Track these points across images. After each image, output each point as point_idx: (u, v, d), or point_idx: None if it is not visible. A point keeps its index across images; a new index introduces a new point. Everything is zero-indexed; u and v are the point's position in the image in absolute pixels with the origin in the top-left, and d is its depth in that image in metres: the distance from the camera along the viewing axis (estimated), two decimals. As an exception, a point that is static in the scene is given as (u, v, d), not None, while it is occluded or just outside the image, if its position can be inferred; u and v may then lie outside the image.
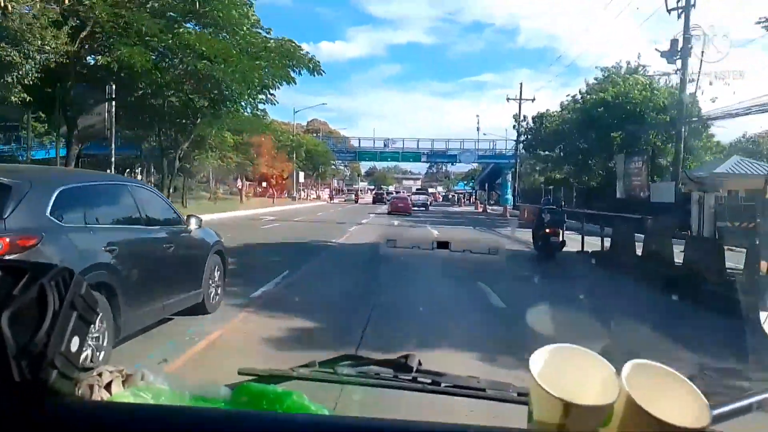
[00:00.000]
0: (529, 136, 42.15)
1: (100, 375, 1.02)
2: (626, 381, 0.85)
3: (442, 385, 1.20)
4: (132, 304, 5.08)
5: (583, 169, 35.90)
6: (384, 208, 46.41)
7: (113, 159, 24.84)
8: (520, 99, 49.14)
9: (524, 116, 44.09)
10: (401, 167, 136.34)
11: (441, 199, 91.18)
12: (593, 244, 15.23)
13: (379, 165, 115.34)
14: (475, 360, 5.50)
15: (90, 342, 4.37)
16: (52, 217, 4.55)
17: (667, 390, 0.86)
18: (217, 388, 1.11)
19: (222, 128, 32.06)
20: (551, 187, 39.32)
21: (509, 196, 55.99)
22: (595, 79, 35.82)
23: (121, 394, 1.01)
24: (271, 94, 27.36)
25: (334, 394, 1.19)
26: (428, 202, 53.16)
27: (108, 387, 1.01)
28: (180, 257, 6.35)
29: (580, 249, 15.43)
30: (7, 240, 4.09)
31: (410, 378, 1.24)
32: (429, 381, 1.22)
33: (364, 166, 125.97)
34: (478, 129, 76.53)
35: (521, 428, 0.89)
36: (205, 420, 0.89)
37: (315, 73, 26.24)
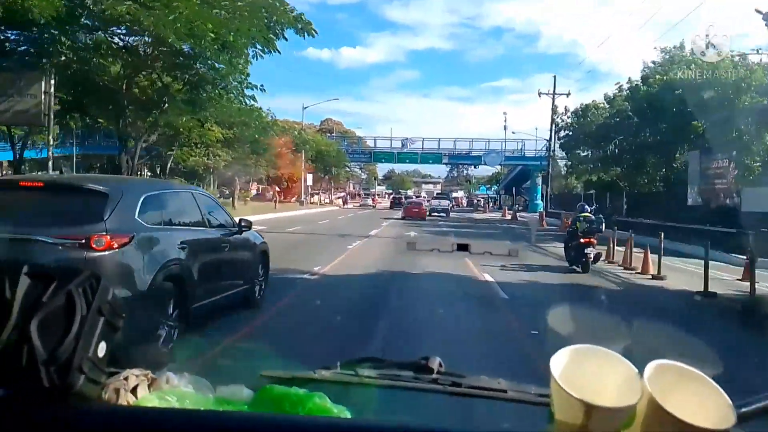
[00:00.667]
0: (569, 133, 36.63)
1: (126, 379, 1.04)
2: (648, 382, 0.84)
3: (463, 386, 1.20)
4: (197, 295, 5.82)
5: (638, 170, 30.11)
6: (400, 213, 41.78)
7: (51, 159, 19.61)
8: (554, 93, 43.13)
9: (565, 108, 38.09)
10: (420, 170, 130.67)
11: (465, 204, 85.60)
12: (691, 271, 12.17)
13: (398, 168, 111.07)
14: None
15: (164, 328, 5.25)
16: (139, 219, 5.30)
17: (691, 390, 0.86)
18: (240, 390, 1.12)
19: (205, 119, 25.21)
20: (591, 191, 35.10)
21: (539, 202, 51.91)
22: (653, 62, 29.50)
23: (146, 398, 1.03)
24: (246, 63, 19.64)
25: (355, 396, 1.19)
26: (449, 208, 47.40)
27: (134, 391, 1.03)
28: (233, 256, 7.08)
29: (698, 289, 9.87)
30: (109, 238, 4.81)
31: (431, 380, 1.24)
32: (450, 382, 1.22)
33: (382, 169, 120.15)
34: (505, 128, 69.11)
35: (543, 430, 0.89)
36: (229, 424, 0.91)
37: (304, 34, 19.27)
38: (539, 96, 43.97)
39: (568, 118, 37.49)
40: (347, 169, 78.10)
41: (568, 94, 43.23)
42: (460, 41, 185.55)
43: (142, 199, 5.49)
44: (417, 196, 72.43)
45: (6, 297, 0.88)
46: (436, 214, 41.75)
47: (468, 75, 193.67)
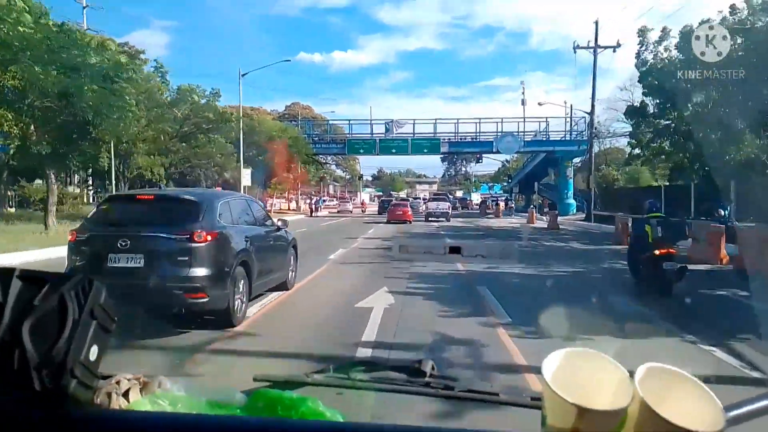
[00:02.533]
0: (648, 102, 24.79)
1: (118, 383, 1.04)
2: (639, 384, 0.84)
3: (456, 390, 1.21)
4: (257, 277, 7.77)
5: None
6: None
7: None
8: (596, 46, 32.93)
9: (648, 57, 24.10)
10: (414, 170, 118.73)
11: (472, 206, 71.90)
12: None
13: (382, 162, 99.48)
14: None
15: (238, 298, 7.06)
16: (219, 220, 7.15)
17: (682, 393, 0.86)
18: (233, 394, 1.12)
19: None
20: (666, 184, 27.56)
21: (571, 201, 43.52)
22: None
23: (138, 402, 1.03)
24: None
25: (348, 399, 1.20)
26: (449, 211, 38.62)
27: (126, 395, 1.03)
28: (276, 248, 9.01)
29: None
30: (204, 233, 6.64)
31: (424, 383, 1.24)
32: (442, 386, 1.23)
33: (369, 168, 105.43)
34: (523, 102, 56.09)
35: None
36: (221, 428, 0.90)
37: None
38: (575, 51, 34.32)
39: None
40: (319, 165, 63.37)
41: (616, 47, 32.93)
42: (452, 41, 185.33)
43: (219, 205, 7.38)
44: (414, 198, 65.40)
45: None
46: (433, 219, 36.14)
47: (462, 75, 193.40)
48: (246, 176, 36.14)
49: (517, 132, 46.55)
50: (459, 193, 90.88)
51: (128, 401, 1.03)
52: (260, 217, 8.90)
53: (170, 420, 0.94)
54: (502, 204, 67.34)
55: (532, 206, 40.31)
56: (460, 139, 48.89)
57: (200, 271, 6.50)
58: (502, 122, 47.60)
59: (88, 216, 7.75)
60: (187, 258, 6.50)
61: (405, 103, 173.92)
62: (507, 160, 69.69)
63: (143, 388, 1.07)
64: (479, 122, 48.47)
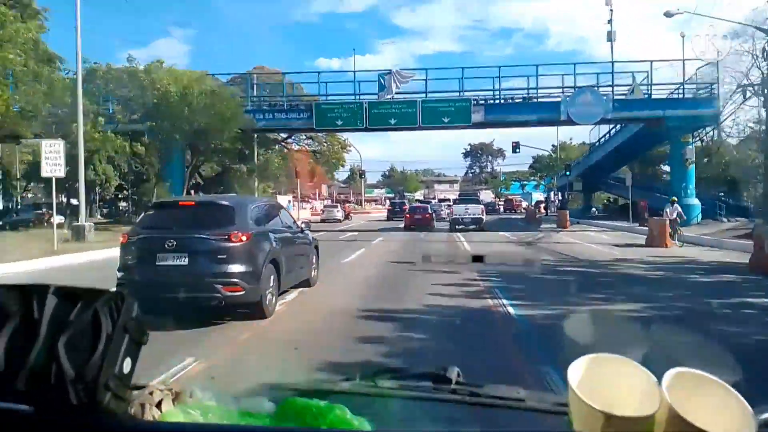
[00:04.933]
0: None
1: (151, 394, 1.06)
2: (667, 390, 0.84)
3: (482, 396, 1.21)
4: (285, 273, 8.40)
5: None
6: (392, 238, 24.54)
7: None
8: None
9: None
10: (432, 169, 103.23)
11: (509, 208, 62.19)
12: None
13: (374, 141, 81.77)
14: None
15: (269, 292, 7.73)
16: (251, 223, 7.82)
17: (710, 398, 0.85)
18: (262, 403, 1.14)
19: None
20: None
21: (694, 202, 27.28)
22: None
23: (171, 412, 1.05)
24: None
25: (375, 407, 1.20)
26: (482, 216, 28.43)
27: (159, 405, 1.05)
28: (300, 248, 9.76)
29: None
30: (240, 234, 7.34)
31: (450, 390, 1.24)
32: (468, 392, 1.23)
33: (374, 166, 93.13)
34: (610, 35, 34.69)
35: None
36: None
37: None
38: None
39: None
40: (285, 148, 44.95)
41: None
42: (469, 43, 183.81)
43: (251, 209, 8.15)
44: (440, 201, 56.96)
45: (34, 316, 0.91)
46: (461, 227, 27.47)
47: (475, 79, 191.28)
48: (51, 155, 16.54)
49: (597, 87, 28.50)
50: (484, 194, 75.40)
51: (161, 411, 1.05)
52: (287, 221, 9.66)
53: (202, 429, 0.96)
54: (523, 203, 61.58)
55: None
56: (504, 99, 29.99)
57: (237, 268, 7.23)
58: (574, 73, 28.97)
59: (137, 220, 8.72)
60: (225, 256, 7.25)
61: None
62: (554, 148, 55.04)
63: (175, 398, 1.09)
64: (536, 73, 29.10)
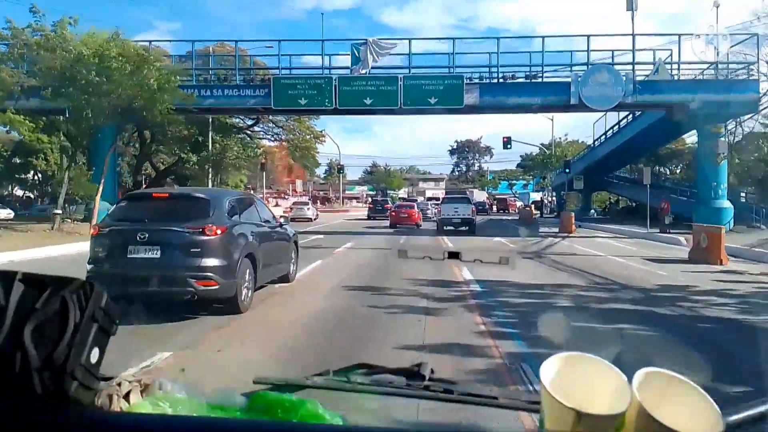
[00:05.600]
0: None
1: (119, 385, 1.04)
2: (637, 389, 0.85)
3: (455, 393, 1.21)
4: (262, 268, 8.28)
5: None
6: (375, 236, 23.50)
7: None
8: None
9: None
10: (417, 167, 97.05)
11: (502, 209, 59.75)
12: None
13: (346, 125, 78.63)
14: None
15: (245, 287, 7.61)
16: (228, 216, 7.69)
17: (679, 398, 0.86)
18: (233, 396, 1.12)
19: None
20: None
21: (724, 203, 23.31)
22: None
23: (139, 404, 1.03)
24: None
25: (347, 402, 1.20)
26: (473, 217, 25.82)
27: (127, 397, 1.03)
28: (278, 243, 9.60)
29: None
30: (215, 227, 7.22)
31: (423, 386, 1.25)
32: (441, 389, 1.23)
33: (351, 164, 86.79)
34: (631, 2, 27.30)
35: None
36: (222, 430, 0.91)
37: None
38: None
39: None
40: (246, 137, 39.27)
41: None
42: (457, 42, 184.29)
43: (227, 202, 7.96)
44: (428, 199, 52.63)
45: (0, 303, 0.88)
46: (449, 227, 25.44)
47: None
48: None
49: (613, 63, 23.82)
50: (478, 193, 69.30)
51: (129, 403, 1.03)
52: (265, 215, 9.52)
53: (170, 422, 0.95)
54: (517, 203, 56.60)
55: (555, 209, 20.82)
56: (503, 78, 24.24)
57: (211, 262, 7.14)
58: (588, 50, 23.79)
59: (109, 212, 8.48)
60: (199, 249, 7.13)
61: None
62: (542, 146, 53.10)
63: (144, 390, 1.08)
64: (543, 47, 24.27)
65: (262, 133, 41.94)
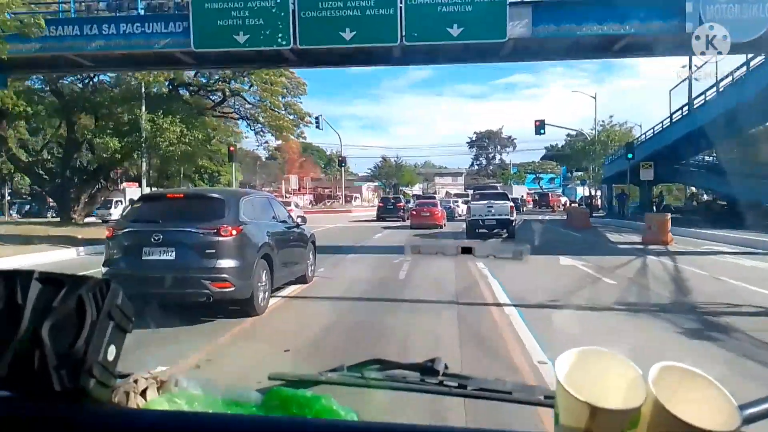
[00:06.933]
0: None
1: (135, 382, 1.05)
2: (653, 384, 0.84)
3: (469, 388, 1.21)
4: (278, 269, 8.23)
5: None
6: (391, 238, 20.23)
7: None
8: None
9: None
10: (432, 161, 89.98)
11: (544, 204, 51.08)
12: None
13: (385, 145, 71.33)
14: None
15: (261, 288, 7.54)
16: (243, 216, 7.57)
17: (695, 392, 0.86)
18: (248, 392, 1.13)
19: None
20: None
21: None
22: None
23: (156, 401, 1.04)
24: None
25: (362, 397, 1.20)
26: (512, 218, 21.12)
27: (143, 393, 1.04)
28: (296, 243, 9.49)
29: None
30: (230, 228, 7.15)
31: (437, 382, 1.25)
32: (455, 384, 1.23)
33: (363, 162, 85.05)
34: None
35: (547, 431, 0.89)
36: (237, 426, 0.92)
37: None
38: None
39: None
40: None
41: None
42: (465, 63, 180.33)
43: (242, 202, 7.83)
44: (456, 196, 46.09)
45: (18, 302, 0.90)
46: (482, 230, 20.61)
47: (479, 72, 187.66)
48: None
49: None
50: (517, 189, 58.59)
51: (145, 400, 1.04)
52: (281, 215, 9.42)
53: (186, 418, 0.96)
54: (561, 199, 47.40)
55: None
56: None
57: (226, 263, 7.07)
58: None
59: (124, 213, 8.65)
60: (214, 251, 7.07)
61: (424, 101, 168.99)
62: (569, 135, 45.74)
63: (160, 387, 1.09)
64: None
65: (235, 113, 33.59)
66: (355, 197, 63.42)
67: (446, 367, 1.28)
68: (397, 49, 16.21)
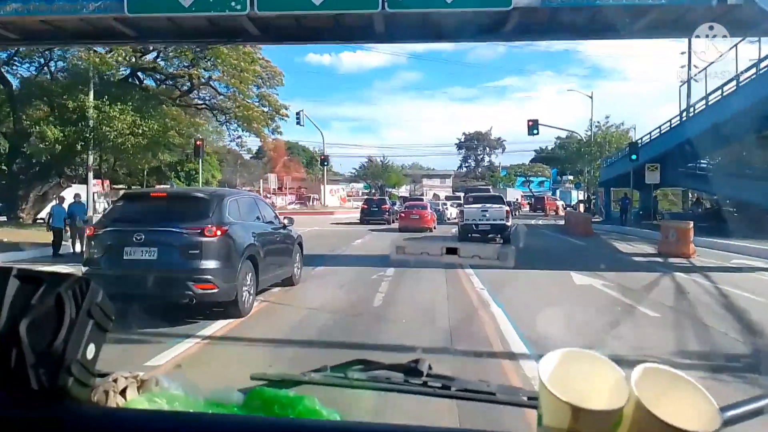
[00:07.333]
0: None
1: (115, 381, 1.04)
2: (635, 385, 0.85)
3: (453, 389, 1.21)
4: (263, 270, 8.06)
5: None
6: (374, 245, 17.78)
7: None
8: None
9: None
10: (420, 162, 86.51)
11: (539, 208, 50.39)
12: None
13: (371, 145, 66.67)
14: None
15: (245, 290, 7.39)
16: (228, 216, 7.48)
17: (677, 394, 0.86)
18: (230, 393, 1.12)
19: None
20: None
21: None
22: None
23: (136, 400, 1.03)
24: None
25: (345, 398, 1.20)
26: (508, 223, 19.91)
27: (123, 393, 1.03)
28: (282, 245, 9.32)
29: None
30: (214, 228, 7.03)
31: (421, 382, 1.24)
32: (439, 385, 1.23)
33: (348, 162, 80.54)
34: None
35: None
36: (219, 426, 0.90)
37: None
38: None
39: None
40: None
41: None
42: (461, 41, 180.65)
43: (228, 202, 7.71)
44: (446, 198, 43.89)
45: None
46: (476, 234, 19.43)
47: (470, 75, 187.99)
48: None
49: None
50: (511, 192, 57.85)
51: (125, 399, 1.03)
52: (268, 215, 9.29)
53: (167, 418, 0.94)
54: (558, 203, 45.53)
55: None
56: None
57: (210, 264, 6.96)
58: None
59: (105, 212, 8.49)
60: (198, 251, 7.03)
61: (415, 103, 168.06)
62: (576, 134, 42.97)
63: (140, 387, 1.07)
64: None
65: (204, 104, 30.68)
66: (350, 197, 59.29)
67: (430, 368, 1.28)
68: (380, 20, 13.19)
